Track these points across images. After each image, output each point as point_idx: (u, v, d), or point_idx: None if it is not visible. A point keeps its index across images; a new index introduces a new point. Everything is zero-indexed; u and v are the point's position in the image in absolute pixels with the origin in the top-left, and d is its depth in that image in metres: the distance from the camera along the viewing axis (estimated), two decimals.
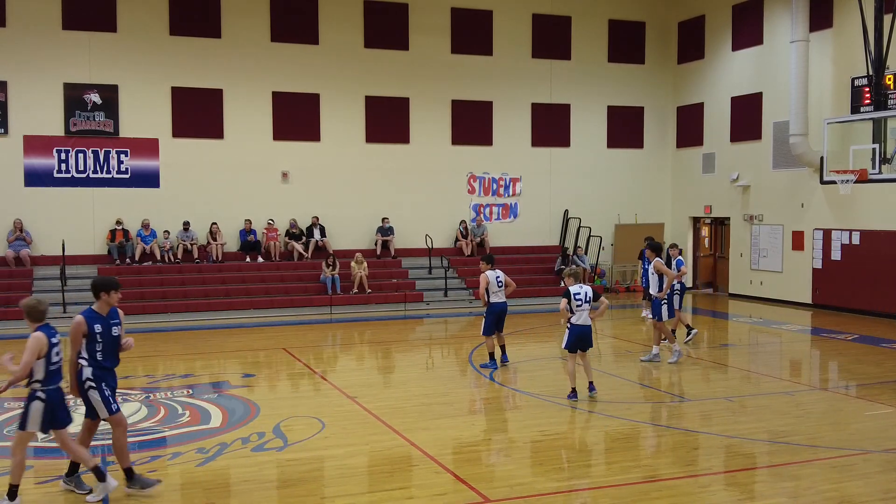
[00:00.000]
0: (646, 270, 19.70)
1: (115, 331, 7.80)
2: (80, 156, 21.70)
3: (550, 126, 26.11)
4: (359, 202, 24.06)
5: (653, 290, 14.42)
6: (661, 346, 14.79)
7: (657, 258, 14.38)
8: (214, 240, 22.42)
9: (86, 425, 7.98)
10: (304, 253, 23.10)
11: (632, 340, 16.81)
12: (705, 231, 27.09)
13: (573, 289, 11.43)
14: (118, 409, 7.78)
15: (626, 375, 13.38)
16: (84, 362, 7.69)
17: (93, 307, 7.84)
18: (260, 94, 23.13)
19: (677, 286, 16.07)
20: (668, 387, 12.82)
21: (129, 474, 7.75)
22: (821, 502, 7.64)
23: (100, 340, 7.68)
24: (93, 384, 7.67)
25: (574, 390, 11.51)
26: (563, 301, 11.42)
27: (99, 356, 7.70)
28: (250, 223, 22.95)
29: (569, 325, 11.43)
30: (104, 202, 21.88)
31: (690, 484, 8.15)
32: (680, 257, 16.68)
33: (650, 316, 19.74)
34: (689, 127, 26.74)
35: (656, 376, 13.49)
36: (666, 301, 14.30)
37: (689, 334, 16.32)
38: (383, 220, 24.02)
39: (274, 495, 7.94)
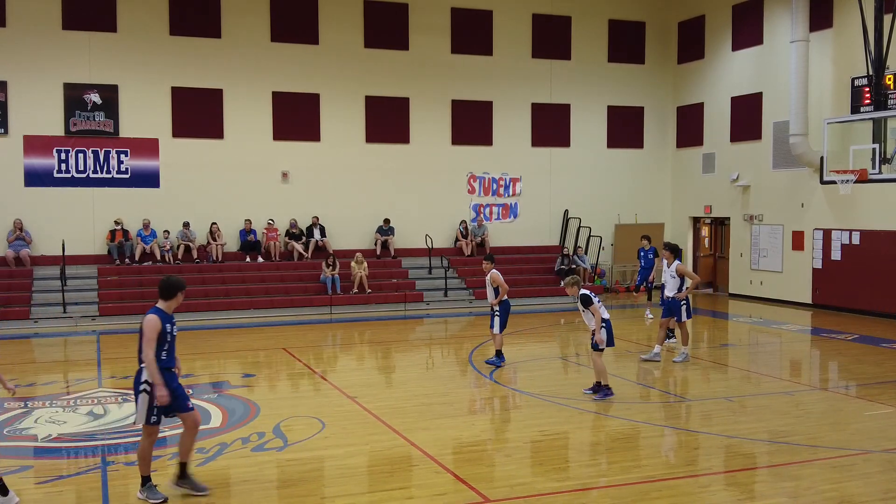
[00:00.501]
0: (643, 268, 19.84)
1: (175, 330, 7.82)
2: (80, 156, 21.70)
3: (550, 126, 26.12)
4: (359, 202, 24.06)
5: (669, 293, 14.32)
6: (665, 345, 14.86)
7: (676, 261, 14.40)
8: (214, 240, 22.42)
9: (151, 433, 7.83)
10: (304, 253, 23.10)
11: (631, 340, 16.79)
12: (705, 231, 27.10)
13: (586, 291, 11.60)
14: (157, 422, 7.71)
15: (626, 375, 13.37)
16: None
17: (159, 306, 7.76)
18: (260, 94, 23.13)
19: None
20: (668, 387, 12.82)
21: (145, 482, 7.72)
22: (821, 502, 7.64)
23: (168, 340, 7.65)
24: (148, 388, 7.55)
25: (609, 386, 11.63)
26: (597, 303, 11.55)
27: (164, 356, 7.63)
28: (250, 223, 22.95)
29: (604, 324, 11.53)
30: (104, 202, 21.88)
31: (690, 484, 8.15)
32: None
33: (650, 316, 19.87)
34: (689, 127, 26.75)
35: (657, 376, 13.48)
36: (685, 302, 14.31)
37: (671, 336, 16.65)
38: (385, 221, 24.00)
39: (274, 495, 7.94)
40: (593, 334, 11.64)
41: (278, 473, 8.57)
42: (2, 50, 21.00)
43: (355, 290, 22.14)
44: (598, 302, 11.66)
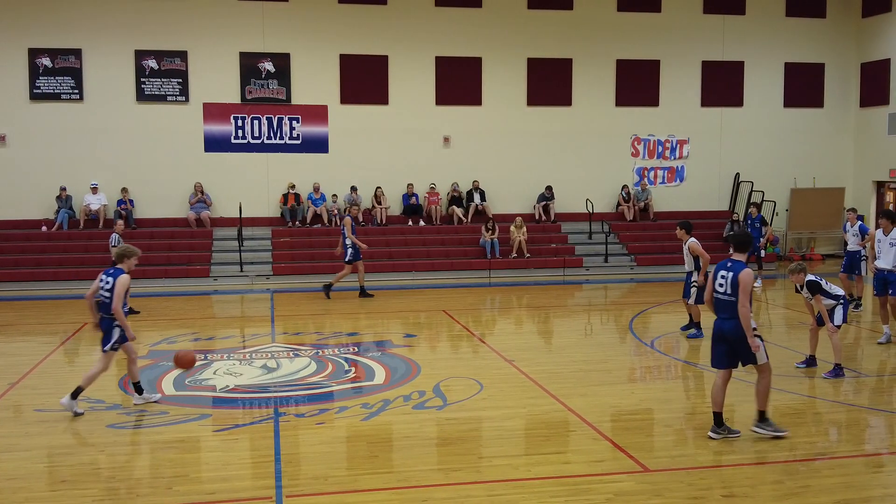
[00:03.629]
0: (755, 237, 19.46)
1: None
2: (255, 122, 22.77)
3: (722, 85, 24.97)
4: (519, 166, 23.98)
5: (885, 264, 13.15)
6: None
7: None
8: (379, 203, 23.02)
9: (725, 376, 8.37)
10: (463, 217, 23.33)
11: (803, 311, 15.91)
12: (890, 196, 25.23)
13: (813, 278, 10.74)
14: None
15: (798, 347, 12.71)
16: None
17: (738, 259, 8.25)
18: (423, 59, 23.37)
19: (863, 252, 15.89)
20: (848, 363, 12.07)
21: (762, 416, 8.34)
22: None
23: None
24: (759, 335, 8.13)
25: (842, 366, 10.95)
26: (826, 284, 10.78)
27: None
28: (412, 187, 23.39)
29: (842, 300, 10.87)
30: (277, 167, 22.90)
31: (861, 463, 7.70)
32: (862, 223, 15.84)
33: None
34: (875, 85, 24.85)
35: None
36: None
37: (856, 306, 15.87)
38: (547, 188, 23.80)
39: (433, 452, 8.14)
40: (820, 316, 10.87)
41: (438, 431, 8.77)
42: (182, 21, 22.23)
43: (514, 254, 22.17)
44: (827, 283, 10.85)
